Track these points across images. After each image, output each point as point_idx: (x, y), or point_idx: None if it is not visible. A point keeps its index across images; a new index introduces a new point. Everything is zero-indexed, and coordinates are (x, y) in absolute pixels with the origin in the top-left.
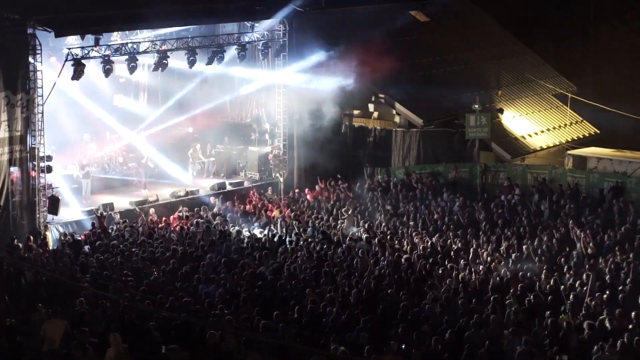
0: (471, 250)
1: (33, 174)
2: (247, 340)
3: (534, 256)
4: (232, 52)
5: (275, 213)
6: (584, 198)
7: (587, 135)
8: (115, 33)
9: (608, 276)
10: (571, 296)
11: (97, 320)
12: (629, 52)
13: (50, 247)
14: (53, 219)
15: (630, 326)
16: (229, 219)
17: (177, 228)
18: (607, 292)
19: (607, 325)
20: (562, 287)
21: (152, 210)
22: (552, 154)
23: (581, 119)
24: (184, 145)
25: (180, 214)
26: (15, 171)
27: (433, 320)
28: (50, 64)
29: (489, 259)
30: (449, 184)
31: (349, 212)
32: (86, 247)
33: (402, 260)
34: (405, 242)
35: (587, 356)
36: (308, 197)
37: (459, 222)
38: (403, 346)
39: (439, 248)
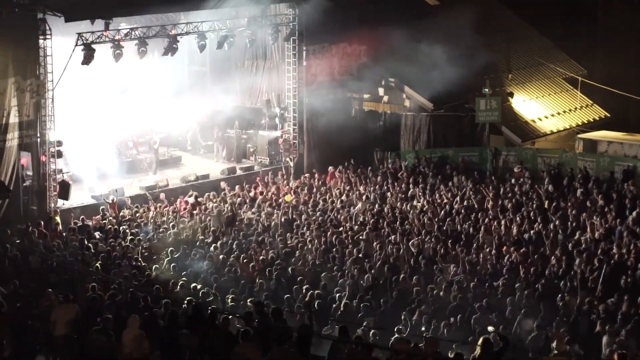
0: (482, 234)
1: (43, 159)
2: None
3: (545, 240)
4: (242, 36)
5: (287, 198)
6: (595, 182)
7: (598, 118)
8: (126, 18)
9: (619, 261)
10: (581, 280)
11: (107, 305)
12: (638, 34)
13: (61, 233)
14: (63, 204)
15: None
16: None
17: (186, 213)
18: (618, 276)
19: (618, 309)
20: (573, 271)
21: (162, 195)
22: (563, 137)
23: (591, 102)
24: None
25: (190, 198)
26: (25, 156)
27: (444, 305)
28: (60, 49)
29: (499, 242)
30: (459, 168)
31: (363, 198)
32: (97, 233)
33: (413, 244)
34: (415, 226)
35: (596, 340)
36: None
37: (470, 205)
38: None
39: (449, 232)
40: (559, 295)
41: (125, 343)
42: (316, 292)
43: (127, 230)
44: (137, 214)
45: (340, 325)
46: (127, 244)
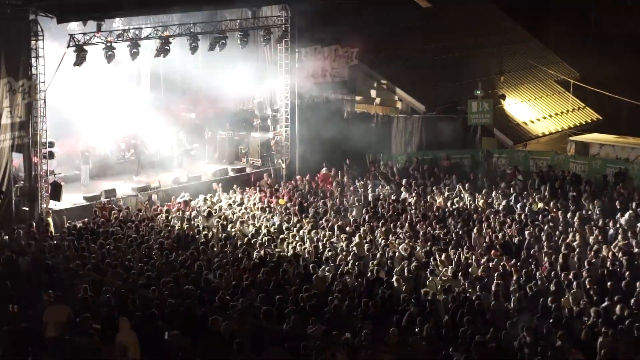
0: (473, 237)
1: (35, 160)
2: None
3: (536, 243)
4: (234, 38)
5: (281, 201)
6: (587, 184)
7: (590, 121)
8: (118, 19)
9: (611, 263)
10: (574, 283)
11: (100, 306)
12: (631, 38)
13: (52, 234)
14: (55, 205)
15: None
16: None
17: (179, 214)
18: (610, 280)
19: (612, 312)
20: (564, 274)
21: (154, 197)
22: (555, 140)
23: (583, 105)
24: (187, 131)
25: (183, 199)
26: (17, 157)
27: (434, 308)
28: (52, 50)
29: (490, 245)
30: (450, 171)
31: (358, 203)
32: (88, 235)
33: (404, 247)
34: (407, 229)
35: (589, 343)
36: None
37: (461, 208)
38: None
39: (441, 235)
40: (552, 298)
41: (117, 345)
42: (307, 294)
43: (119, 231)
44: (130, 215)
45: (325, 327)
46: (119, 244)
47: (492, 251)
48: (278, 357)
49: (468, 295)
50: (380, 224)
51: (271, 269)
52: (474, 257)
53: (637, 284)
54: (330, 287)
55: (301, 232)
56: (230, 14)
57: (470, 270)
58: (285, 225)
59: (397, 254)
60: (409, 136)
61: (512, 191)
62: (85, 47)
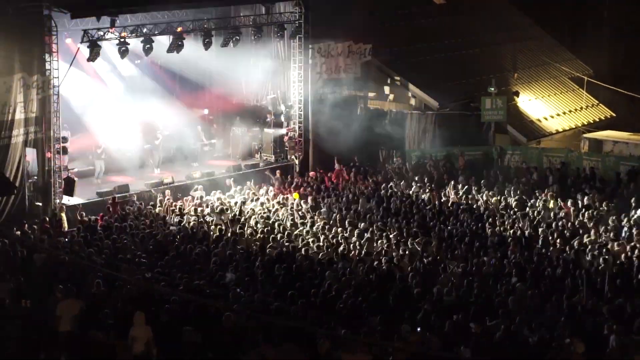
0: (486, 233)
1: (49, 155)
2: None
3: (550, 239)
4: (248, 34)
5: (295, 195)
6: (600, 182)
7: (603, 118)
8: (131, 15)
9: (625, 260)
10: (586, 280)
11: (113, 301)
12: None
13: (66, 229)
14: (69, 200)
15: None
16: None
17: (192, 209)
18: (624, 276)
19: (625, 309)
20: (578, 270)
21: (167, 192)
22: (568, 137)
23: (597, 102)
24: (200, 127)
25: (196, 192)
26: (30, 152)
27: (447, 304)
28: (66, 46)
29: (504, 242)
30: (463, 167)
31: (364, 195)
32: (101, 230)
33: (418, 243)
34: (419, 225)
35: (602, 339)
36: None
37: (474, 205)
38: (418, 329)
39: (453, 231)
40: (564, 295)
41: (132, 340)
42: (320, 290)
43: (133, 227)
44: (142, 211)
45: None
46: (134, 239)
47: (506, 248)
48: (290, 353)
49: (480, 292)
50: (393, 220)
51: (285, 264)
52: (485, 253)
53: None
54: (344, 283)
55: (314, 228)
56: (243, 10)
57: (482, 266)
58: (299, 220)
59: (409, 250)
60: (423, 133)
61: (525, 188)
62: (98, 42)
